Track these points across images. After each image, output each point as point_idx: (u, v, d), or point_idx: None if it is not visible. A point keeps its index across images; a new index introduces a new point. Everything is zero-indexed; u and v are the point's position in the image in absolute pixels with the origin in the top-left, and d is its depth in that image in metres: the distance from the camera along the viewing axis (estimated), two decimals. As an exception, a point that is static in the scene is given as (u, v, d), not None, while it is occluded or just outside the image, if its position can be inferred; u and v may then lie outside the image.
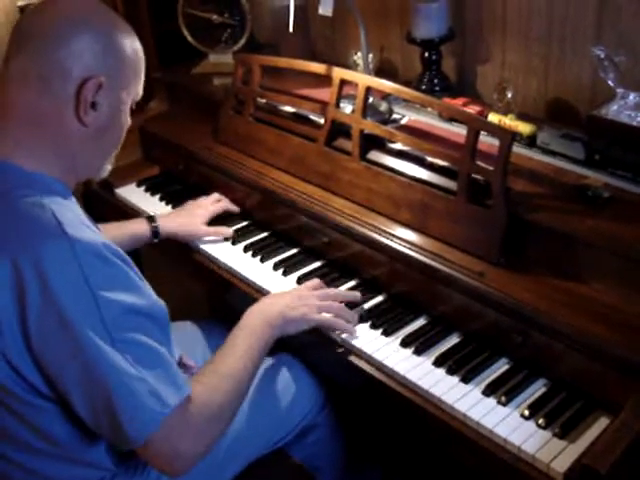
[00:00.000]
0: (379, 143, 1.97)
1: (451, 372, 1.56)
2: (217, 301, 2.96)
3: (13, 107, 1.36)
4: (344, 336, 1.69)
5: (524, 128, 1.94)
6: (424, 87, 2.30)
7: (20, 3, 2.88)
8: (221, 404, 1.41)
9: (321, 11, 2.11)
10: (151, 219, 2.10)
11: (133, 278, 1.34)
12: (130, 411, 1.26)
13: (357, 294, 1.79)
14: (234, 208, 2.23)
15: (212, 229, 2.12)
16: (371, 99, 2.06)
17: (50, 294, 1.23)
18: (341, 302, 1.75)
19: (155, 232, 2.08)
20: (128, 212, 2.39)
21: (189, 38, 2.84)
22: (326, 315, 1.70)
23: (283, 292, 1.77)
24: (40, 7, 1.42)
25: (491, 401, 1.48)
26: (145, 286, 1.38)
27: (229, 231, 2.12)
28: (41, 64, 1.34)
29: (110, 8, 1.47)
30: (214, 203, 2.20)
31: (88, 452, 1.44)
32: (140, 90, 1.51)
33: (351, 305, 1.77)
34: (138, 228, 2.06)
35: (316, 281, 1.81)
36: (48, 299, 1.23)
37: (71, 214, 1.33)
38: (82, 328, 1.23)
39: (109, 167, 1.56)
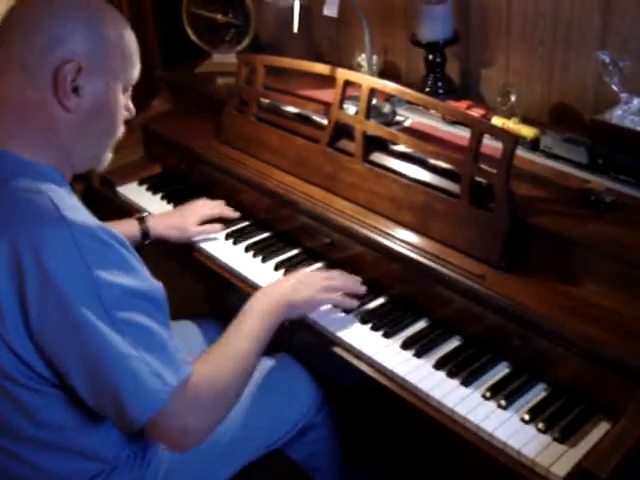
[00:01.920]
0: (382, 145, 1.97)
1: (451, 375, 1.56)
2: (216, 300, 2.95)
3: (3, 98, 1.37)
4: (345, 338, 1.68)
5: (527, 132, 1.94)
6: (428, 89, 2.30)
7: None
8: (227, 382, 1.43)
9: (326, 12, 2.11)
10: (141, 220, 2.10)
11: (131, 260, 1.35)
12: (132, 392, 1.27)
13: (359, 280, 1.82)
14: (232, 214, 2.21)
15: (201, 228, 2.12)
16: (375, 101, 2.05)
17: (49, 277, 1.23)
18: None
19: (145, 233, 2.07)
20: (129, 211, 2.38)
21: (193, 37, 2.85)
22: (330, 295, 1.74)
23: (288, 276, 1.80)
24: None
25: (491, 405, 1.48)
26: (143, 269, 1.39)
27: (218, 227, 2.14)
28: (21, 51, 1.34)
29: None
30: (211, 207, 2.20)
31: (88, 442, 1.44)
32: (133, 74, 1.50)
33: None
34: (128, 229, 2.03)
35: (319, 268, 1.86)
36: (47, 282, 1.23)
37: (68, 198, 1.34)
38: (81, 310, 1.24)
39: (109, 156, 1.55)
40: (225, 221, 2.19)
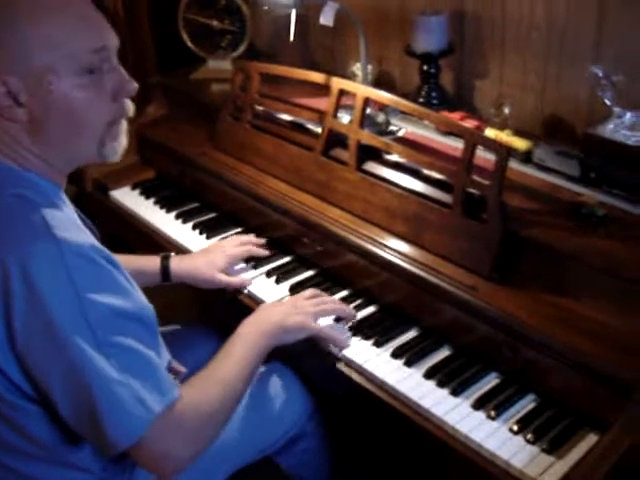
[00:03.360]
0: (376, 154, 1.98)
1: (441, 385, 1.56)
2: (206, 306, 2.95)
3: None
4: (338, 346, 1.69)
5: (520, 144, 1.96)
6: (422, 100, 2.31)
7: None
8: (213, 409, 1.40)
9: (322, 21, 2.12)
10: (165, 258, 1.94)
11: (121, 281, 1.32)
12: (113, 417, 1.24)
13: (352, 311, 1.79)
14: (262, 252, 2.04)
15: (226, 279, 1.93)
16: (369, 110, 2.06)
17: (35, 295, 1.21)
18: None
19: (166, 272, 1.92)
20: (122, 215, 2.39)
21: (188, 43, 2.85)
22: (322, 324, 1.71)
23: (279, 302, 1.78)
24: None
25: (480, 415, 1.48)
26: (133, 289, 1.36)
27: (246, 280, 1.96)
28: None
29: None
30: (238, 246, 2.03)
31: (75, 455, 1.42)
32: (81, 51, 1.30)
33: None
34: (147, 265, 1.92)
35: (310, 291, 1.80)
36: (33, 300, 1.22)
37: (60, 214, 1.31)
38: (67, 331, 1.22)
39: (116, 145, 1.43)
40: (216, 228, 2.20)
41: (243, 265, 2.02)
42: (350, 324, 1.76)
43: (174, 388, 1.33)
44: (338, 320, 1.77)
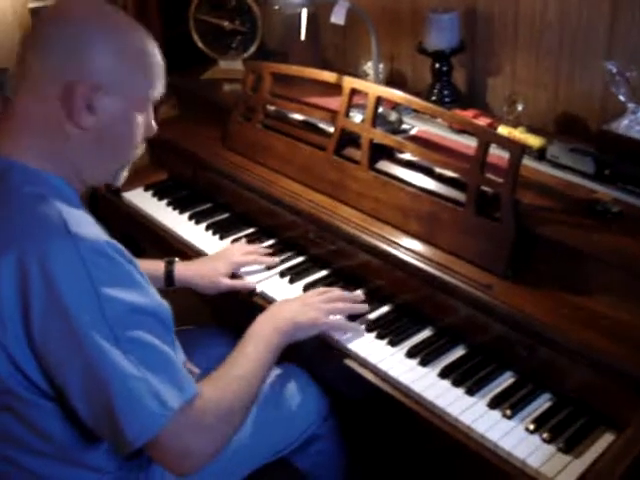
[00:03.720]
0: (388, 153, 1.97)
1: (456, 384, 1.56)
2: (219, 307, 2.95)
3: (20, 109, 1.37)
4: (350, 346, 1.69)
5: (534, 141, 1.95)
6: (434, 98, 2.30)
7: (31, 5, 2.89)
8: (231, 405, 1.40)
9: (333, 20, 2.12)
10: (169, 263, 1.96)
11: (137, 277, 1.33)
12: (130, 413, 1.24)
13: (362, 306, 1.79)
14: (267, 260, 2.04)
15: (230, 283, 1.95)
16: (381, 109, 2.06)
17: (54, 291, 1.22)
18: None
19: (169, 277, 1.94)
20: (135, 217, 2.39)
21: (199, 44, 2.86)
22: (334, 319, 1.72)
23: (291, 299, 1.78)
24: (49, 11, 1.43)
25: (496, 414, 1.48)
26: (149, 286, 1.37)
27: (250, 283, 1.96)
28: (38, 68, 1.34)
29: (123, 12, 1.45)
30: (244, 255, 2.04)
31: (90, 454, 1.43)
32: (156, 90, 1.46)
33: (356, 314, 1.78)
34: (151, 269, 1.89)
35: (322, 288, 1.82)
36: (52, 296, 1.22)
37: (76, 212, 1.33)
38: (84, 326, 1.22)
39: (125, 173, 1.54)
40: (229, 228, 2.20)
41: (257, 266, 2.02)
42: (364, 324, 1.75)
43: (192, 384, 1.33)
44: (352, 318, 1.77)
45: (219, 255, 2.04)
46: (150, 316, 1.31)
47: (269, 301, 1.88)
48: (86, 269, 1.24)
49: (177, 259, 1.99)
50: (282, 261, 2.03)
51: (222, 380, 1.44)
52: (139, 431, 1.25)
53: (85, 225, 1.31)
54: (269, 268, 2.00)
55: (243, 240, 2.15)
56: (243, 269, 2.01)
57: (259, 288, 1.93)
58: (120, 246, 1.33)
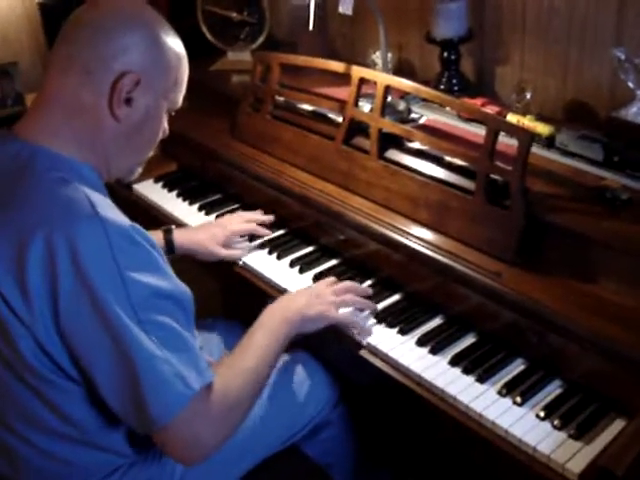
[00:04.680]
0: (397, 142, 1.97)
1: (467, 372, 1.56)
2: (231, 299, 2.96)
3: (54, 95, 1.40)
4: (360, 334, 1.69)
5: (543, 129, 1.94)
6: (442, 87, 2.30)
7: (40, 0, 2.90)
8: (239, 395, 1.42)
9: (341, 9, 2.12)
10: (168, 232, 2.02)
11: (160, 262, 1.35)
12: (155, 391, 1.27)
13: (372, 304, 1.79)
14: (265, 232, 2.11)
15: (225, 252, 2.02)
16: (389, 98, 2.06)
17: (82, 272, 1.24)
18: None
19: (169, 246, 2.00)
20: (145, 208, 2.40)
21: (208, 35, 2.86)
22: (344, 312, 1.72)
23: (301, 290, 1.78)
24: (94, 1, 1.47)
25: (507, 401, 1.48)
26: (171, 272, 1.39)
27: (245, 251, 2.05)
28: (86, 54, 1.37)
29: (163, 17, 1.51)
30: (242, 223, 2.11)
31: (110, 437, 1.45)
32: (179, 99, 1.53)
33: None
34: None
35: (331, 279, 1.82)
36: (79, 277, 1.24)
37: (102, 197, 1.36)
38: (112, 306, 1.25)
39: (139, 170, 1.59)
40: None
41: (266, 254, 2.03)
42: (371, 313, 1.76)
43: (209, 368, 1.36)
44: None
45: (217, 222, 2.11)
46: (172, 301, 1.33)
47: (279, 291, 1.89)
48: (112, 252, 1.26)
49: (174, 226, 2.05)
50: (292, 251, 2.04)
51: (230, 371, 1.45)
52: (164, 409, 1.28)
53: (112, 209, 1.34)
54: (279, 258, 2.00)
55: (240, 212, 2.20)
56: (254, 258, 2.01)
57: (270, 277, 1.93)
58: (145, 232, 1.35)
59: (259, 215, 2.16)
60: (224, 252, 2.02)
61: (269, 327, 1.60)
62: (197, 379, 1.31)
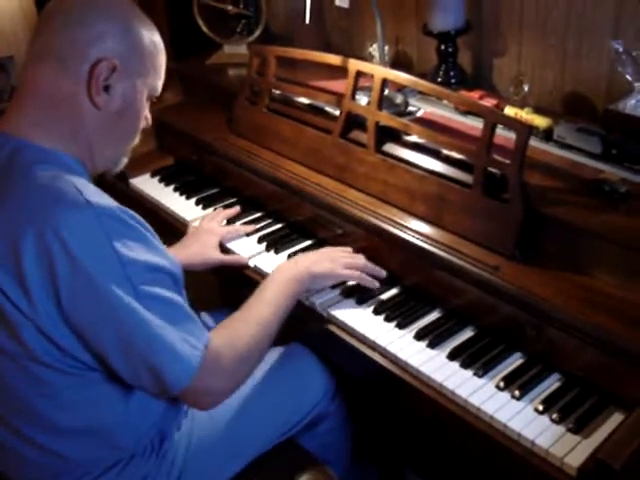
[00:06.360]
0: (395, 135, 1.97)
1: (465, 366, 1.56)
2: (230, 292, 2.96)
3: (32, 87, 1.40)
4: (358, 329, 1.69)
5: (540, 122, 1.94)
6: (440, 80, 2.30)
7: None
8: (248, 347, 1.48)
9: (338, 2, 2.11)
10: None
11: (151, 239, 1.39)
12: (168, 360, 1.32)
13: (374, 282, 1.80)
14: (232, 211, 2.18)
15: (221, 257, 2.00)
16: (387, 91, 2.05)
17: (76, 260, 1.25)
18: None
19: None
20: (142, 203, 2.39)
21: (204, 29, 2.85)
22: (351, 271, 1.77)
23: (315, 251, 1.83)
24: None
25: (505, 395, 1.48)
26: (162, 247, 1.43)
27: (242, 258, 2.00)
28: (60, 43, 1.38)
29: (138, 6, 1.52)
30: (215, 220, 2.11)
31: (109, 428, 1.47)
32: (158, 85, 1.54)
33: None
34: None
35: (348, 248, 1.87)
36: (75, 265, 1.26)
37: (87, 183, 1.37)
38: (110, 288, 1.27)
39: (125, 160, 1.60)
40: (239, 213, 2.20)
41: (263, 250, 2.02)
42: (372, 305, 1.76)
43: (205, 331, 1.41)
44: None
45: (202, 232, 2.06)
46: (166, 274, 1.38)
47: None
48: (105, 234, 1.28)
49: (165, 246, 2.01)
50: (290, 245, 2.03)
51: (238, 323, 1.52)
52: (180, 375, 1.33)
53: (99, 195, 1.35)
54: (277, 252, 2.00)
55: (211, 211, 2.22)
56: (249, 251, 2.02)
57: (268, 272, 1.92)
58: (131, 212, 1.37)
59: (220, 209, 2.21)
60: (227, 257, 2.01)
61: (278, 283, 1.66)
62: (199, 341, 1.36)
